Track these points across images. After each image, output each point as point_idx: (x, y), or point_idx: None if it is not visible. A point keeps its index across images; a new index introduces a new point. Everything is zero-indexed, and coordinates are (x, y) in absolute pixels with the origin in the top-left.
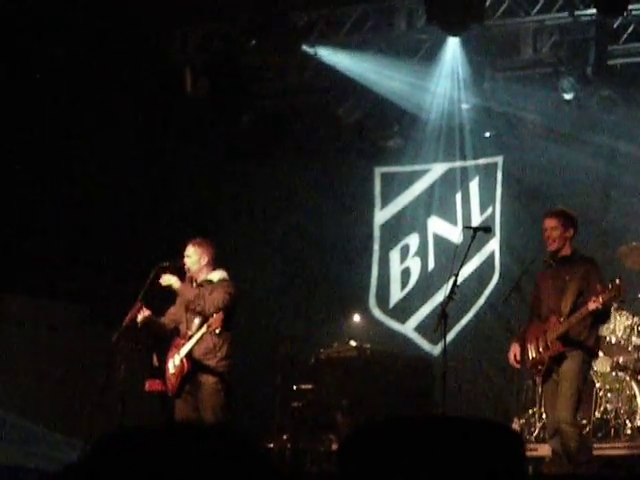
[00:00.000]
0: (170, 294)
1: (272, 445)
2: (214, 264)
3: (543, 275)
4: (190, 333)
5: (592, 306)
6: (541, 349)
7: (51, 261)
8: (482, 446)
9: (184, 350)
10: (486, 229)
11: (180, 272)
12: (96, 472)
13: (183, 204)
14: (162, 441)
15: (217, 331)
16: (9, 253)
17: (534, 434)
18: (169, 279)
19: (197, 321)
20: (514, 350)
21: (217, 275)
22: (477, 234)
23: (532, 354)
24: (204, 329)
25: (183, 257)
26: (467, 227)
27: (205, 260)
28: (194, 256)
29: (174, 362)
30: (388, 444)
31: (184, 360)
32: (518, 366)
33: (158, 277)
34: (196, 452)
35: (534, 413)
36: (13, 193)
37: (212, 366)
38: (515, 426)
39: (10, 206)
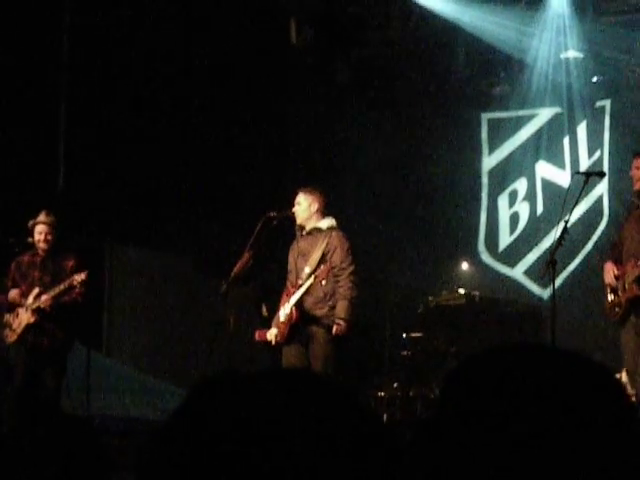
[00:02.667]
0: (279, 242)
1: (383, 393)
2: (324, 212)
3: (628, 217)
4: (300, 282)
5: None
6: (619, 292)
7: (160, 212)
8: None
9: (293, 299)
10: (599, 173)
11: (287, 221)
12: (191, 419)
13: (290, 154)
14: (259, 387)
15: (323, 282)
16: (123, 206)
17: None
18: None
19: (307, 270)
20: (609, 268)
21: (326, 223)
22: (588, 179)
23: (610, 296)
24: (311, 280)
25: (290, 207)
26: (579, 172)
27: (315, 207)
28: (304, 203)
29: (285, 310)
30: (494, 373)
31: (293, 309)
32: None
33: (266, 226)
34: (293, 402)
35: None
36: (123, 147)
37: (321, 315)
38: (625, 373)
39: (123, 161)
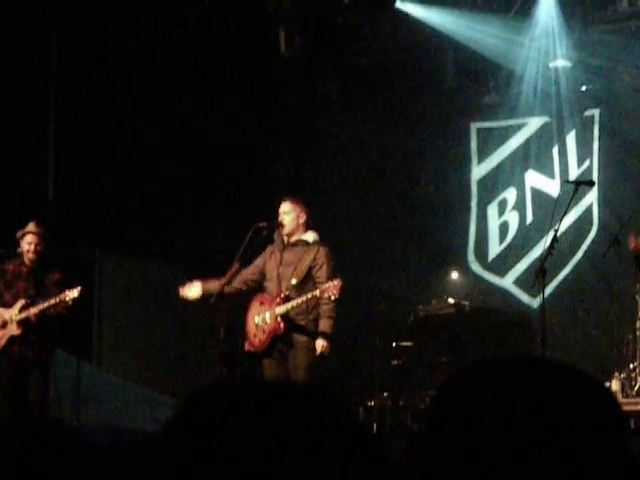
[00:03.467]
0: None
1: (373, 403)
2: (309, 224)
3: None
4: (287, 293)
5: None
6: None
7: (148, 222)
8: (576, 392)
9: (281, 309)
10: (589, 183)
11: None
12: (185, 430)
13: (279, 164)
14: (251, 400)
15: (332, 298)
16: (113, 216)
17: (635, 388)
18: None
19: (294, 282)
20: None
21: (312, 236)
22: (578, 188)
23: None
24: (316, 293)
25: (278, 216)
26: (569, 181)
27: (303, 219)
28: (292, 213)
29: (263, 318)
30: (485, 385)
31: (279, 319)
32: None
33: (256, 237)
34: (286, 412)
35: (635, 367)
36: (112, 157)
37: (303, 326)
38: (615, 381)
39: (108, 169)
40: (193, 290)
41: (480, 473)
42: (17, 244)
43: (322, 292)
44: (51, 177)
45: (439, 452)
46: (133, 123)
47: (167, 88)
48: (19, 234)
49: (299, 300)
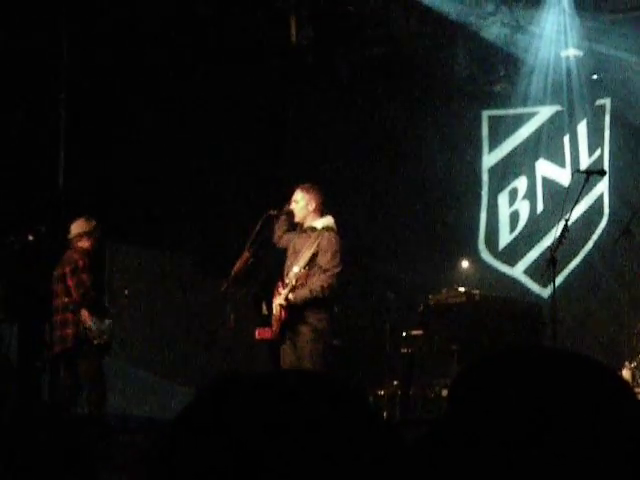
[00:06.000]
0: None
1: (383, 391)
2: (322, 210)
3: None
4: (287, 281)
5: None
6: None
7: (159, 212)
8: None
9: (281, 298)
10: (600, 172)
11: (289, 219)
12: (203, 418)
13: (290, 152)
14: (264, 389)
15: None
16: (120, 205)
17: None
18: None
19: (295, 270)
20: None
21: (321, 222)
22: (589, 177)
23: None
24: (293, 282)
25: (288, 203)
26: (580, 171)
27: (312, 206)
28: (302, 201)
29: (275, 307)
30: (501, 377)
31: (281, 308)
32: None
33: (266, 225)
34: (299, 400)
35: None
36: (122, 146)
37: (306, 314)
38: (626, 370)
39: (120, 160)
40: None
41: (496, 461)
42: (69, 242)
43: (297, 280)
44: (61, 166)
45: (455, 440)
46: (144, 113)
47: (178, 77)
48: (86, 230)
49: (289, 287)
